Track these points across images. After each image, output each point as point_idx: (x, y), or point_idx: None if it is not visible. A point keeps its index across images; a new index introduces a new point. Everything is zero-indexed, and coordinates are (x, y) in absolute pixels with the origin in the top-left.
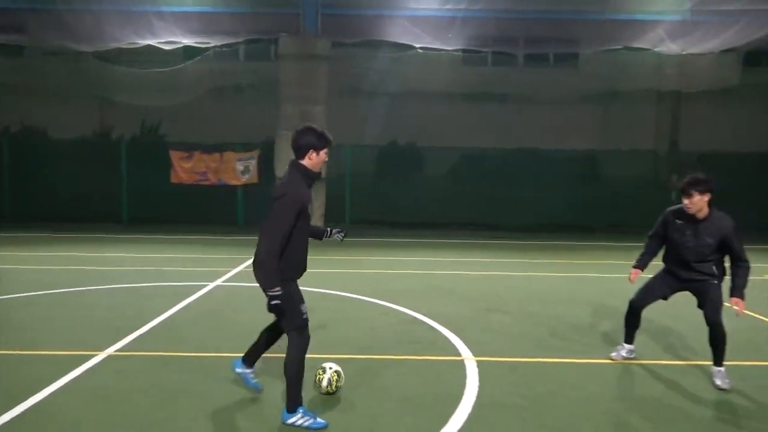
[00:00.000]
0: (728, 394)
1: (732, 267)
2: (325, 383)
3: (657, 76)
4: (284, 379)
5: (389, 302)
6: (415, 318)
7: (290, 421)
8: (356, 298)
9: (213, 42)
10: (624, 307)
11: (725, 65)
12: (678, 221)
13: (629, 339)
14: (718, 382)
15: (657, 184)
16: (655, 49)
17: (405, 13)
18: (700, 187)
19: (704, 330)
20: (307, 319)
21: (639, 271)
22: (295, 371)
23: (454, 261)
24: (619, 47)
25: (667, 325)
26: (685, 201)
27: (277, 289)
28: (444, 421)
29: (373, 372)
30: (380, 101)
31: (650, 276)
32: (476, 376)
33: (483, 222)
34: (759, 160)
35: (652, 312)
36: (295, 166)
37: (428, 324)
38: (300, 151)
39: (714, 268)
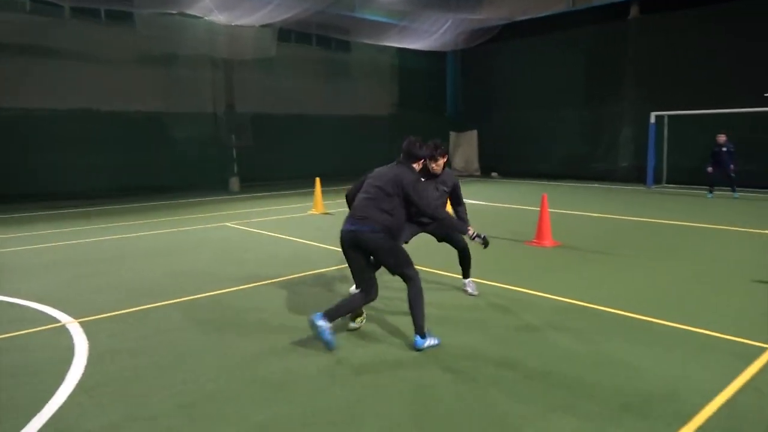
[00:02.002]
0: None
1: (456, 209)
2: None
3: (211, 44)
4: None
5: None
6: None
7: (426, 344)
8: None
9: None
10: (201, 252)
11: (265, 38)
12: (423, 179)
13: None
14: (470, 290)
15: (218, 143)
16: (206, 18)
17: None
18: (443, 151)
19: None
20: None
21: None
22: (422, 302)
23: (22, 236)
24: (174, 12)
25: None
26: (434, 165)
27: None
28: (61, 379)
29: None
30: None
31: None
32: (83, 335)
33: (45, 191)
34: (295, 120)
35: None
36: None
37: (10, 302)
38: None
39: None
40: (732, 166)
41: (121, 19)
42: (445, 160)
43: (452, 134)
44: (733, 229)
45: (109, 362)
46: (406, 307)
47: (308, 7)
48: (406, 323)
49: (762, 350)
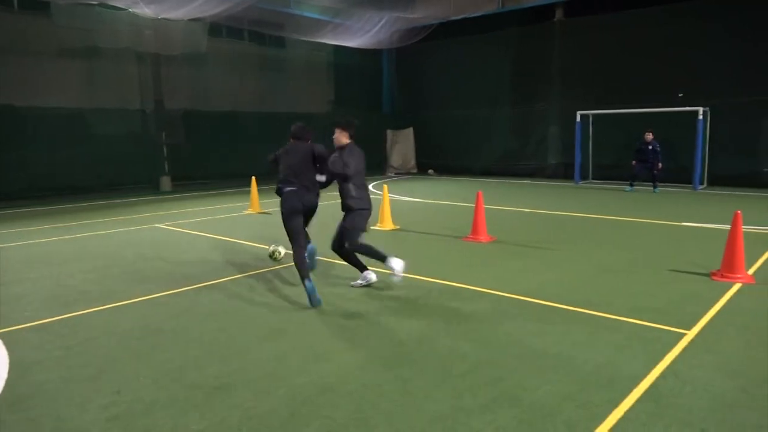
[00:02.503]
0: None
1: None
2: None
3: (136, 37)
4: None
5: None
6: None
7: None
8: None
9: None
10: (130, 255)
11: (195, 33)
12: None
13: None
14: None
15: (148, 140)
16: (130, 10)
17: None
18: (339, 125)
19: None
20: None
21: None
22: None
23: None
24: (95, 3)
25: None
26: (334, 135)
27: None
28: None
29: None
30: None
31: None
32: (2, 346)
33: None
34: (229, 117)
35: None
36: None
37: None
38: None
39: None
40: (660, 165)
41: (37, 9)
42: (344, 133)
43: (389, 132)
44: (653, 221)
45: (33, 374)
46: (343, 318)
47: (240, 1)
48: (342, 332)
49: (680, 336)
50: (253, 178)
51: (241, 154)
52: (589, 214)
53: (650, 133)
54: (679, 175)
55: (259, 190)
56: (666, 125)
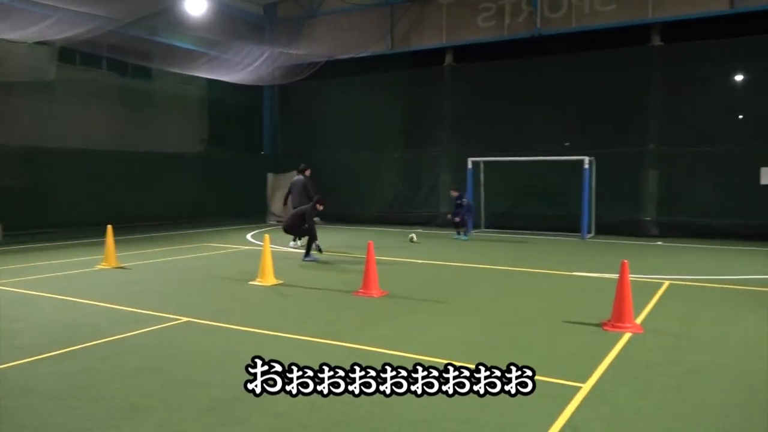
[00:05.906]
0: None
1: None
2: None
3: None
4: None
5: None
6: None
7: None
8: None
9: None
10: None
11: (40, 57)
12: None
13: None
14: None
15: None
16: None
17: None
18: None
19: None
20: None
21: None
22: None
23: None
24: None
25: None
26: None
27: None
28: None
29: None
30: None
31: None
32: None
33: None
34: (80, 156)
35: None
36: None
37: None
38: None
39: None
40: (456, 218)
41: None
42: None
43: (270, 176)
44: (545, 271)
45: None
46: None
47: (98, 26)
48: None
49: (576, 389)
50: (109, 227)
51: (95, 198)
52: (482, 265)
53: (454, 191)
54: (570, 223)
55: (116, 241)
56: (558, 174)
